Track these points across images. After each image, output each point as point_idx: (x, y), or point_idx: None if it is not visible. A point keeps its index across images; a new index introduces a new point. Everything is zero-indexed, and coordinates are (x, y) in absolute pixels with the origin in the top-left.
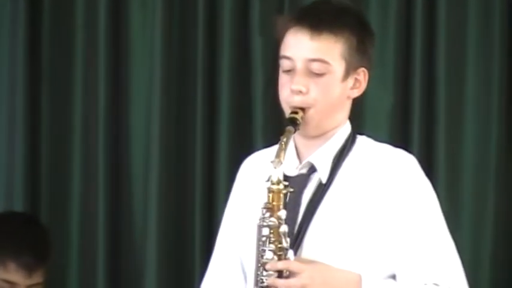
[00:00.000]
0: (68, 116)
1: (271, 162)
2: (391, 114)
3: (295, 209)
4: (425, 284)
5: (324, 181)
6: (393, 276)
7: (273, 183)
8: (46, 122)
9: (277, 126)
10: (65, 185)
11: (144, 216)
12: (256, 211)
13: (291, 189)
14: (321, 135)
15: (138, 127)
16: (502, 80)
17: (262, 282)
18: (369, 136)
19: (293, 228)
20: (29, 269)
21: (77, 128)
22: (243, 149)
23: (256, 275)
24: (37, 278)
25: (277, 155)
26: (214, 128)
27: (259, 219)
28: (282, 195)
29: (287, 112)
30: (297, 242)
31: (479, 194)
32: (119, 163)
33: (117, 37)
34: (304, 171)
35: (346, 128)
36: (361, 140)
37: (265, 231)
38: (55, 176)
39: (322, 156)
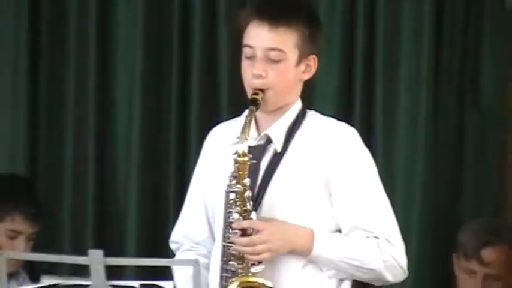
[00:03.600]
0: (62, 90)
1: (238, 138)
2: (337, 92)
3: (255, 176)
4: (367, 237)
5: (278, 150)
6: (339, 231)
7: (239, 156)
8: (44, 94)
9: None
10: (60, 149)
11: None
12: (222, 176)
13: (254, 161)
14: (277, 110)
15: (122, 100)
16: (430, 63)
17: (229, 239)
18: (317, 111)
19: (253, 192)
20: (32, 219)
21: (70, 100)
22: (211, 122)
23: (224, 233)
24: (37, 227)
25: (243, 132)
26: (188, 102)
27: (227, 186)
28: (246, 165)
29: (249, 93)
30: (256, 203)
31: (411, 160)
32: (106, 127)
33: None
34: (262, 142)
35: (298, 105)
36: (311, 114)
37: (232, 196)
38: (51, 144)
39: (277, 129)
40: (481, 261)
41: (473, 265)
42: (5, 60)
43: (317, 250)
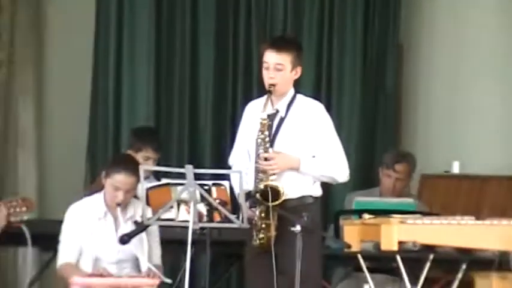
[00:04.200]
0: None
1: (262, 110)
2: (312, 84)
3: (270, 130)
4: (329, 160)
5: (282, 116)
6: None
7: (262, 119)
8: None
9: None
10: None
11: None
12: (254, 130)
13: (270, 122)
14: (281, 94)
15: None
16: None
17: (257, 162)
18: (301, 94)
19: (270, 138)
20: (157, 150)
21: None
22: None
23: (255, 158)
24: (159, 155)
25: (264, 106)
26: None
27: (257, 136)
28: (266, 124)
29: (267, 86)
30: (271, 144)
31: (350, 120)
32: None
33: None
34: (274, 112)
35: (292, 92)
36: (299, 96)
37: (259, 140)
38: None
39: (281, 104)
40: (394, 170)
41: (390, 172)
42: None
43: (302, 168)
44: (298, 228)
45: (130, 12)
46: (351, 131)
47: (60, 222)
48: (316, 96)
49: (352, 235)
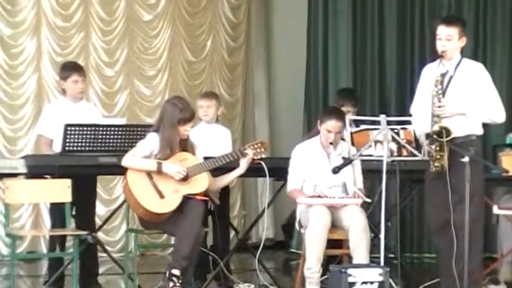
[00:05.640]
0: None
1: (436, 71)
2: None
3: (442, 85)
4: None
5: (451, 74)
6: None
7: (437, 77)
8: None
9: None
10: None
11: None
12: (430, 86)
13: (442, 79)
14: (450, 59)
15: None
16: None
17: (433, 110)
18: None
19: (442, 88)
20: (355, 104)
21: None
22: None
23: (432, 109)
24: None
25: (438, 67)
26: None
27: (433, 89)
28: (440, 80)
29: (440, 52)
30: (443, 95)
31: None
32: None
33: None
34: (445, 71)
35: (458, 56)
36: (464, 59)
37: (434, 93)
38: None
39: (450, 66)
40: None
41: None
42: None
43: (468, 112)
44: (466, 159)
45: (333, 0)
46: (501, 84)
47: (287, 159)
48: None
49: (509, 163)
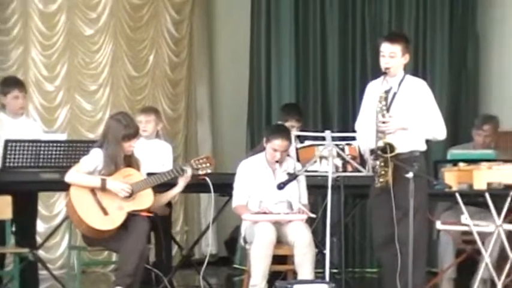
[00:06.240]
0: None
1: (379, 88)
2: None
3: (386, 101)
4: None
5: (395, 91)
6: None
7: (381, 93)
8: None
9: None
10: None
11: None
12: (374, 103)
13: (386, 95)
14: (394, 75)
15: None
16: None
17: (378, 126)
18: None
19: (386, 105)
20: (299, 119)
21: None
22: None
23: (376, 125)
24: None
25: (381, 84)
26: None
27: (377, 106)
28: (384, 97)
29: (383, 69)
30: (387, 110)
31: None
32: None
33: None
34: (389, 88)
35: (402, 72)
36: (407, 76)
37: (379, 110)
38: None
39: (394, 82)
40: (482, 130)
41: (480, 132)
42: None
43: (411, 128)
44: (410, 174)
45: (276, 18)
46: (441, 101)
47: (232, 174)
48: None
49: (451, 178)
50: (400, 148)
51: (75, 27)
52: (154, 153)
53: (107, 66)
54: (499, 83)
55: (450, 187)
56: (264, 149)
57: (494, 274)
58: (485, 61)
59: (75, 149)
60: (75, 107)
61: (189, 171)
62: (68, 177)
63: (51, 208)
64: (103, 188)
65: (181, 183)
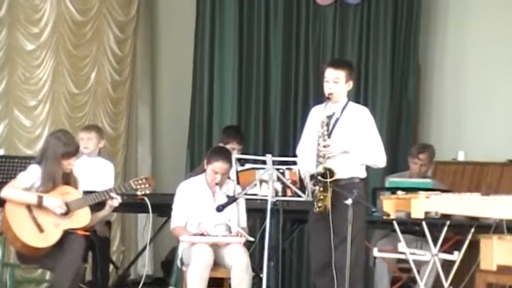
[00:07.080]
0: None
1: (322, 113)
2: (356, 93)
3: (328, 126)
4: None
5: (337, 117)
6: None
7: (323, 119)
8: None
9: None
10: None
11: None
12: (317, 126)
13: (328, 121)
14: (337, 101)
15: None
16: None
17: (319, 151)
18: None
19: (328, 131)
20: (241, 141)
21: None
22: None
23: (317, 146)
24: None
25: (324, 109)
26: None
27: (318, 130)
28: (326, 122)
29: (327, 95)
30: (328, 135)
31: None
32: None
33: None
34: (331, 113)
35: (345, 98)
36: (350, 102)
37: (320, 134)
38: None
39: (337, 108)
40: (418, 158)
41: (416, 160)
42: None
43: (351, 153)
44: (349, 201)
45: (220, 40)
46: (381, 128)
47: (171, 195)
48: (356, 102)
49: (389, 206)
50: (340, 174)
51: (16, 41)
52: (95, 171)
53: (48, 82)
54: (438, 112)
55: (388, 215)
56: (204, 170)
57: None
58: (425, 90)
59: (12, 165)
60: (14, 122)
61: (115, 202)
62: (4, 193)
63: None
64: (39, 205)
65: (107, 207)
